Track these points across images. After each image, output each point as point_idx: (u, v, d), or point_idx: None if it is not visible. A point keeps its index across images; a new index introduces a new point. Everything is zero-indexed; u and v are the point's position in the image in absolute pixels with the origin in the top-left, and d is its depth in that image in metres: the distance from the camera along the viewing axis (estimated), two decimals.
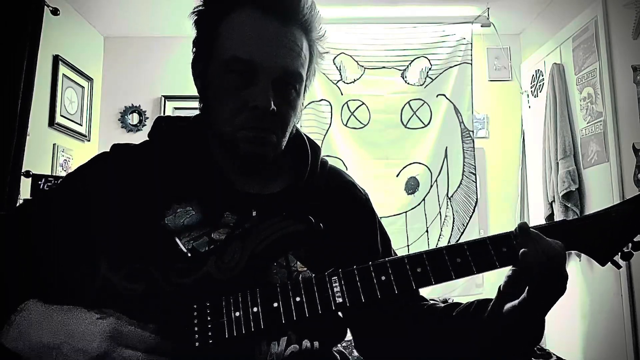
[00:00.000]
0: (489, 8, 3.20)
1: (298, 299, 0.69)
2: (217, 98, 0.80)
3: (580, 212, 2.82)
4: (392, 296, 0.71)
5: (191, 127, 0.89)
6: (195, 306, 0.69)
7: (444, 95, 3.25)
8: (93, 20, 3.51)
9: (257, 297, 0.69)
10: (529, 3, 3.28)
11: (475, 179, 3.21)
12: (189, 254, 0.76)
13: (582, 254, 2.88)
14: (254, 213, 0.81)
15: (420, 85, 3.27)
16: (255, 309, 0.69)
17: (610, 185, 2.57)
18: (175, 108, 3.62)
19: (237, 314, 0.68)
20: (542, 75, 3.27)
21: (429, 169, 3.21)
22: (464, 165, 3.21)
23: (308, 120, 3.18)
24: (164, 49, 3.62)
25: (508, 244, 0.74)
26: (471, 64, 3.27)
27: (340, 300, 0.70)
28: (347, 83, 3.28)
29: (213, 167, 0.85)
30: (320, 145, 0.97)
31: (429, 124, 3.25)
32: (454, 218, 3.17)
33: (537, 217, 3.28)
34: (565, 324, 2.86)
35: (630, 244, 0.76)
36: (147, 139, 0.90)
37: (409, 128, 3.25)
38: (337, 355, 0.86)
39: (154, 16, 3.40)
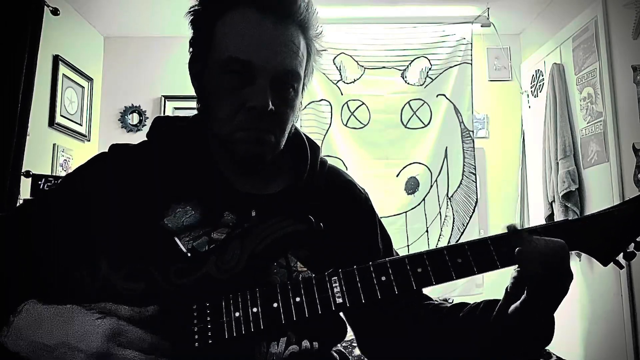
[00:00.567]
0: (489, 8, 3.20)
1: (298, 299, 0.69)
2: (215, 99, 0.80)
3: (580, 212, 2.81)
4: (392, 297, 0.71)
5: (190, 127, 0.89)
6: (195, 306, 0.69)
7: (444, 95, 3.25)
8: (93, 20, 3.51)
9: (256, 298, 0.69)
10: (529, 3, 3.28)
11: (475, 179, 3.21)
12: (189, 254, 0.76)
13: (582, 255, 2.88)
14: (254, 213, 0.81)
15: (420, 85, 3.27)
16: (255, 309, 0.68)
17: (610, 185, 2.57)
18: (175, 108, 3.62)
19: (237, 314, 0.68)
20: (542, 75, 3.27)
21: (429, 169, 3.21)
22: (464, 165, 3.21)
23: (308, 120, 3.18)
24: (164, 49, 3.62)
25: (509, 243, 0.74)
26: (471, 64, 3.27)
27: (340, 300, 0.70)
28: (347, 83, 3.28)
29: (212, 167, 0.85)
30: (320, 145, 0.96)
31: (429, 124, 3.25)
32: (454, 218, 3.17)
33: (537, 217, 3.28)
34: (565, 324, 2.86)
35: (633, 244, 0.75)
36: (146, 139, 0.90)
37: (409, 128, 3.25)
38: (337, 356, 0.86)
39: (154, 16, 3.40)
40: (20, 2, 2.22)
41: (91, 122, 3.53)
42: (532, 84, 3.42)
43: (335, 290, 0.70)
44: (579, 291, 2.83)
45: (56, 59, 3.12)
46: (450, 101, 3.25)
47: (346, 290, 0.70)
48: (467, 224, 3.16)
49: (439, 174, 3.21)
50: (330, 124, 3.24)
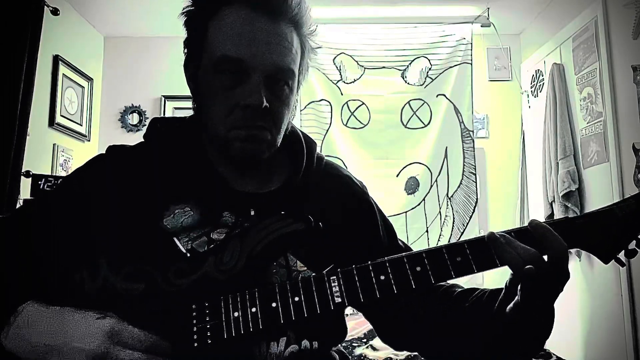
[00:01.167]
0: (489, 8, 3.20)
1: (297, 298, 0.69)
2: (210, 98, 0.80)
3: (580, 212, 2.81)
4: (392, 296, 0.70)
5: (186, 127, 0.89)
6: (194, 306, 0.69)
7: (444, 95, 3.25)
8: (93, 20, 3.51)
9: (255, 297, 0.69)
10: (529, 3, 3.28)
11: (475, 179, 3.21)
12: (188, 254, 0.76)
13: (582, 254, 2.87)
14: (252, 212, 0.81)
15: (420, 85, 3.27)
16: (253, 309, 0.68)
17: (610, 185, 2.57)
18: (175, 108, 3.62)
19: (236, 314, 0.68)
20: (542, 75, 3.27)
21: (429, 169, 3.21)
22: (464, 165, 3.21)
23: (308, 120, 3.18)
24: (164, 49, 3.62)
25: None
26: (471, 64, 3.27)
27: (339, 300, 0.70)
28: (347, 83, 3.28)
29: (209, 167, 0.85)
30: (320, 146, 0.96)
31: (429, 124, 3.25)
32: (454, 218, 3.17)
33: (537, 217, 3.24)
34: (565, 324, 2.86)
35: (634, 241, 0.75)
36: (143, 140, 0.90)
37: (409, 128, 3.25)
38: (337, 356, 0.86)
39: (154, 16, 3.40)
40: (20, 2, 2.22)
41: (91, 122, 3.53)
42: (532, 84, 3.42)
43: (334, 289, 0.70)
44: (579, 291, 2.83)
45: (56, 59, 3.12)
46: (450, 101, 3.25)
47: (345, 290, 0.70)
48: (467, 224, 3.16)
49: (439, 174, 3.21)
50: (330, 124, 3.24)
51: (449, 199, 3.19)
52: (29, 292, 0.70)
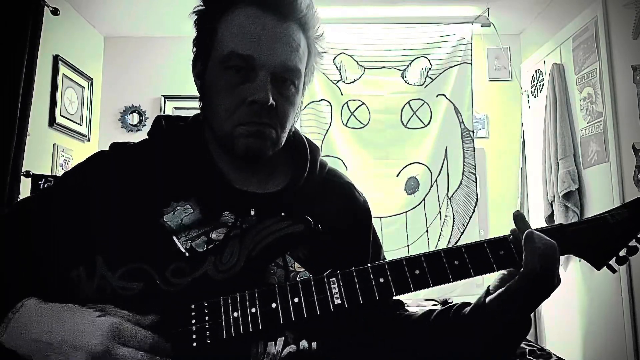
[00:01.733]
0: (489, 8, 3.20)
1: (296, 300, 0.69)
2: (216, 95, 0.80)
3: (580, 212, 2.81)
4: (390, 298, 0.71)
5: (191, 126, 0.89)
6: (193, 306, 0.69)
7: (444, 95, 3.25)
8: (93, 20, 3.51)
9: (255, 298, 0.69)
10: (529, 3, 3.28)
11: (475, 179, 3.21)
12: (187, 254, 0.76)
13: None
14: (253, 212, 0.81)
15: (420, 85, 3.27)
16: (253, 310, 0.69)
17: (610, 185, 2.57)
18: (175, 108, 3.62)
19: (235, 314, 0.68)
20: (542, 75, 3.27)
21: (429, 169, 3.21)
22: (464, 165, 3.21)
23: (308, 120, 3.19)
24: (164, 49, 3.62)
25: (505, 246, 0.74)
26: (471, 64, 3.27)
27: (339, 301, 0.70)
28: (347, 83, 3.28)
29: (212, 166, 0.85)
30: (320, 146, 0.97)
31: (429, 124, 3.25)
32: (454, 218, 3.17)
33: (537, 217, 3.27)
34: (565, 324, 2.85)
35: (625, 249, 0.76)
36: (146, 138, 0.90)
37: (409, 128, 3.25)
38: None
39: (154, 16, 3.40)
40: (20, 2, 2.22)
41: (91, 122, 3.53)
42: (532, 84, 3.42)
43: (333, 291, 0.70)
44: (579, 291, 2.82)
45: (56, 59, 3.12)
46: (450, 101, 3.25)
47: (344, 292, 0.70)
48: (467, 224, 3.16)
49: (439, 174, 3.21)
50: (330, 124, 3.24)
51: (449, 199, 3.19)
52: (28, 288, 0.70)
